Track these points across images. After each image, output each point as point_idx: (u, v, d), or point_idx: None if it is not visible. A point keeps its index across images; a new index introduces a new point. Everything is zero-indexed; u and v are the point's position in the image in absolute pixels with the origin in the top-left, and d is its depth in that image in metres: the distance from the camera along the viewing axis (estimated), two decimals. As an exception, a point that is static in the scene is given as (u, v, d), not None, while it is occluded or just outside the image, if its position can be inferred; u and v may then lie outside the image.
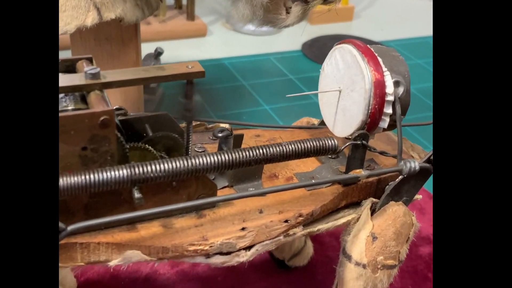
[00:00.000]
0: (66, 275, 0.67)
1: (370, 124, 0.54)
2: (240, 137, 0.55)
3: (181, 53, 1.37)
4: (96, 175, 0.44)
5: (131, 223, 0.49)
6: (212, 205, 0.52)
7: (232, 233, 0.50)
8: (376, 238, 0.53)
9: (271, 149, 0.49)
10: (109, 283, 0.75)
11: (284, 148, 0.49)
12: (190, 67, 0.49)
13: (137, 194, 0.47)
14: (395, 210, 0.54)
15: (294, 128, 0.64)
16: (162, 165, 0.45)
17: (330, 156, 0.58)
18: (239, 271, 0.77)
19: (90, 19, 0.75)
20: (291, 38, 1.48)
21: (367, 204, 0.55)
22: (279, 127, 0.63)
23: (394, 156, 0.55)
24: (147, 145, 0.50)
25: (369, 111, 0.53)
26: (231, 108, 1.16)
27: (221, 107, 1.15)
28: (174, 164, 0.46)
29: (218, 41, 1.47)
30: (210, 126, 0.61)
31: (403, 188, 0.54)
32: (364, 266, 0.54)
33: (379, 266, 0.54)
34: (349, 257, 0.54)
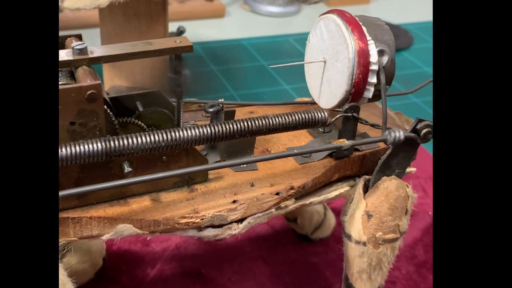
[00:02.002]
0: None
1: (355, 94, 0.53)
2: (232, 113, 0.55)
3: (200, 33, 1.37)
4: (68, 149, 0.44)
5: (123, 198, 0.49)
6: (204, 179, 0.52)
7: (223, 205, 0.50)
8: (371, 215, 0.53)
9: (256, 121, 0.49)
10: (140, 251, 0.76)
11: (270, 120, 0.49)
12: (178, 41, 0.50)
13: (127, 168, 0.47)
14: (387, 186, 0.53)
15: (287, 105, 0.64)
16: (139, 139, 0.45)
17: (323, 130, 0.58)
18: (267, 242, 0.79)
19: (124, -7, 0.74)
20: (309, 19, 1.47)
21: (359, 183, 0.55)
22: (272, 104, 0.63)
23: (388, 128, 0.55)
24: (136, 120, 0.51)
25: (353, 81, 0.53)
26: (252, 87, 1.16)
27: (242, 87, 1.16)
28: (151, 137, 0.46)
29: (237, 22, 1.47)
30: (204, 103, 0.62)
31: (393, 161, 0.54)
32: (364, 244, 0.54)
33: (379, 242, 0.54)
34: (349, 237, 0.55)
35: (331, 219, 0.79)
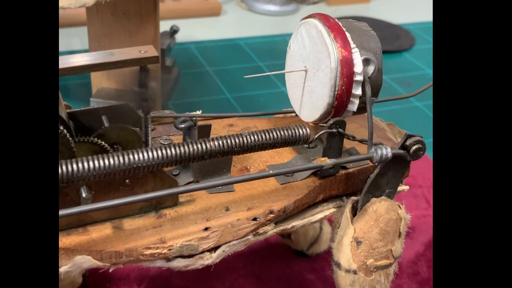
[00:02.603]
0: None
1: (338, 107, 0.48)
2: (207, 127, 0.50)
3: (195, 32, 1.32)
4: None
5: (82, 225, 0.45)
6: (174, 203, 0.47)
7: (193, 233, 0.45)
8: (360, 242, 0.48)
9: (230, 140, 0.44)
10: (125, 267, 0.71)
11: (245, 139, 0.44)
12: (143, 51, 0.45)
13: (84, 194, 0.43)
14: (376, 209, 0.48)
15: (269, 116, 0.59)
16: (91, 163, 0.40)
17: (307, 146, 0.53)
18: (261, 258, 0.74)
19: (111, -9, 0.71)
20: (307, 16, 1.42)
21: (347, 205, 0.50)
22: (253, 115, 0.58)
23: (375, 144, 0.49)
24: (96, 139, 0.46)
25: (336, 93, 0.48)
26: (248, 89, 1.11)
27: (238, 89, 1.11)
28: (105, 161, 0.41)
29: (233, 21, 1.42)
30: (178, 116, 0.57)
31: (382, 181, 0.49)
32: (355, 272, 0.49)
33: (371, 269, 0.49)
34: (338, 265, 0.50)
35: (328, 233, 0.75)
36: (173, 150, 0.42)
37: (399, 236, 0.50)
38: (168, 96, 1.04)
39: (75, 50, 1.18)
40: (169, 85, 1.06)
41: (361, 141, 0.50)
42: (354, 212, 0.50)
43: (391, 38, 1.31)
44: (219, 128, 0.55)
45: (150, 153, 0.42)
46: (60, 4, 0.75)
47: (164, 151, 0.42)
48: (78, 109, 0.49)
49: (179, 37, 1.16)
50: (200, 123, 0.50)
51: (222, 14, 1.44)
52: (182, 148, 0.43)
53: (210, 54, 1.23)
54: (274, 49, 1.28)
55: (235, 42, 1.30)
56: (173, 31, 1.15)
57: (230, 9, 1.47)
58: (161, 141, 0.53)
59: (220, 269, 0.72)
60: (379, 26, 1.37)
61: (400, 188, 0.52)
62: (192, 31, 1.32)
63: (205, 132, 0.50)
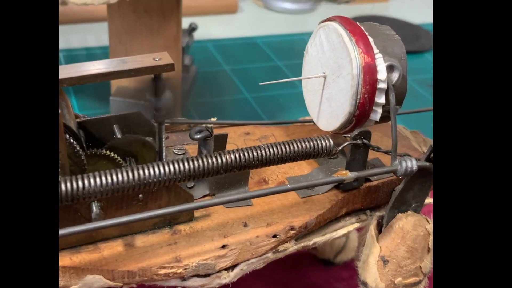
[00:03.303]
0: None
1: (359, 116, 0.46)
2: (223, 137, 0.47)
3: (212, 30, 1.30)
4: None
5: (92, 242, 0.42)
6: (189, 218, 0.45)
7: (210, 252, 0.43)
8: (387, 261, 0.46)
9: (247, 153, 0.41)
10: None
11: (263, 152, 0.42)
12: (157, 59, 0.42)
13: (95, 210, 0.40)
14: (402, 226, 0.46)
15: (288, 124, 0.56)
16: (97, 179, 0.38)
17: (329, 156, 0.50)
18: (287, 265, 0.71)
19: (133, -12, 0.69)
20: (326, 17, 1.38)
21: (371, 222, 0.48)
22: (270, 124, 0.55)
23: (400, 155, 0.47)
24: (108, 151, 0.44)
25: (357, 101, 0.45)
26: (267, 89, 1.08)
27: (256, 88, 1.08)
28: (113, 177, 0.38)
29: (250, 19, 1.40)
30: (194, 124, 0.54)
31: (408, 196, 0.46)
32: None
33: (400, 287, 0.46)
34: (365, 284, 0.47)
35: (354, 240, 0.72)
36: (186, 164, 0.40)
37: (428, 251, 0.47)
38: (187, 96, 1.01)
39: (90, 47, 1.16)
40: (187, 84, 1.04)
41: (386, 152, 0.47)
42: (380, 228, 0.47)
43: (410, 39, 1.28)
44: (235, 136, 0.53)
45: (162, 168, 0.39)
46: (83, 0, 0.73)
47: (177, 166, 0.40)
48: (88, 118, 0.47)
49: (195, 35, 1.14)
50: (215, 130, 0.48)
51: (238, 12, 1.41)
52: (196, 162, 0.40)
53: (228, 53, 1.21)
54: (292, 48, 1.26)
55: (252, 41, 1.28)
56: (192, 29, 1.13)
57: (247, 6, 1.44)
58: (175, 151, 0.50)
59: (245, 276, 0.70)
60: (398, 26, 1.33)
61: (427, 201, 0.49)
62: (208, 28, 1.30)
63: (221, 142, 0.48)
